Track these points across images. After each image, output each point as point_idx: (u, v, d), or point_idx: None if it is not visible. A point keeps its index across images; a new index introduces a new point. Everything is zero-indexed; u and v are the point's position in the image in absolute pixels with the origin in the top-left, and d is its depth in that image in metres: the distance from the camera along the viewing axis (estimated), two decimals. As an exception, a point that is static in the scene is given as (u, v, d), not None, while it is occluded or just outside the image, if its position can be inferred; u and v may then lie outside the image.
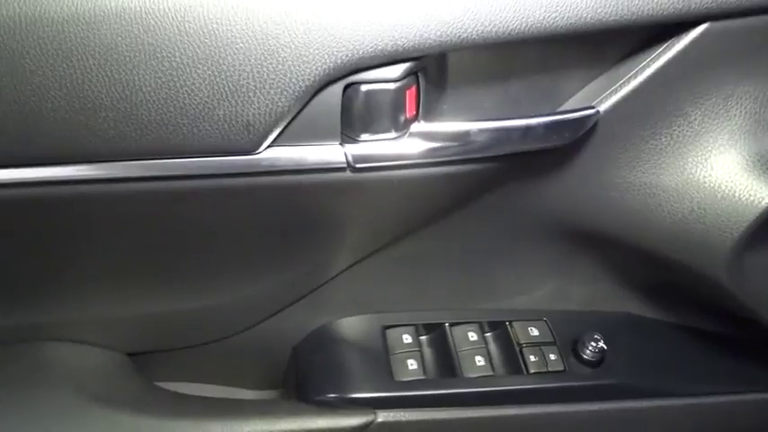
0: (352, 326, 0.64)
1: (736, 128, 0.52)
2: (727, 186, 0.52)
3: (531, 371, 0.61)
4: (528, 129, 0.49)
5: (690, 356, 0.69)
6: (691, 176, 0.53)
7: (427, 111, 0.48)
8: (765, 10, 0.47)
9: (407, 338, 0.63)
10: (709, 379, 0.67)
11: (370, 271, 0.62)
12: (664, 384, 0.65)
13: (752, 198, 0.51)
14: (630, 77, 0.49)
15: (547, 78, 0.51)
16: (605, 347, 0.62)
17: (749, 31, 0.48)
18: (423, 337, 0.64)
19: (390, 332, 0.63)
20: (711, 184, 0.52)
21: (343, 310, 0.65)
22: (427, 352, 0.63)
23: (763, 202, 0.51)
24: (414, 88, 0.46)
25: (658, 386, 0.65)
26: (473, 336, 0.63)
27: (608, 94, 0.50)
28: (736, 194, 0.51)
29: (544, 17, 0.44)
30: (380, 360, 0.61)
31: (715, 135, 0.52)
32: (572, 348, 0.63)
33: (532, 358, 0.62)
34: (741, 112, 0.51)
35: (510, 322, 0.64)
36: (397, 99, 0.46)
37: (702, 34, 0.47)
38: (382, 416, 0.58)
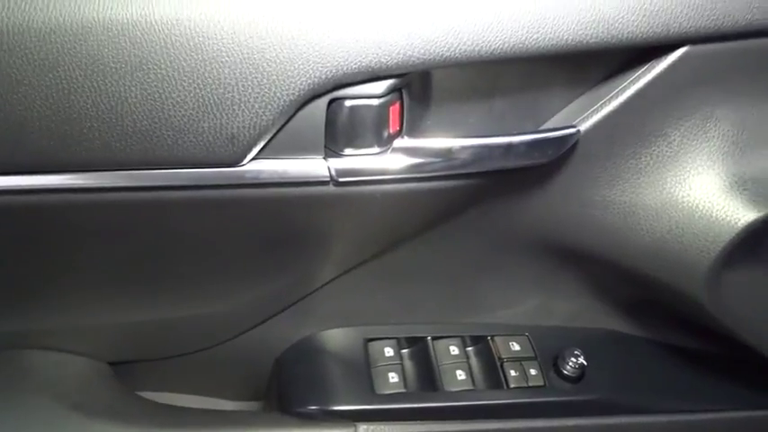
0: (334, 338, 0.64)
1: (714, 149, 0.53)
2: (705, 206, 0.52)
3: (512, 386, 0.61)
4: (510, 146, 0.49)
5: (670, 373, 0.69)
6: (669, 196, 0.53)
7: (411, 126, 0.49)
8: (743, 35, 0.48)
9: (389, 351, 0.63)
10: (688, 396, 0.68)
11: (354, 283, 0.62)
12: (644, 401, 0.66)
13: (729, 218, 0.52)
14: (611, 98, 0.50)
15: (530, 97, 0.52)
16: (585, 363, 0.63)
17: (728, 55, 0.49)
18: (404, 351, 0.64)
19: (372, 345, 0.63)
20: (690, 204, 0.53)
21: (327, 321, 0.65)
22: (408, 365, 0.63)
23: (740, 223, 0.52)
24: (397, 104, 0.47)
25: (638, 403, 0.65)
26: (455, 350, 0.63)
27: (589, 113, 0.50)
28: (714, 214, 0.52)
29: (526, 38, 0.45)
30: (362, 373, 0.61)
31: (694, 156, 0.53)
32: (553, 364, 0.64)
33: (513, 373, 0.62)
34: (719, 133, 0.52)
35: (492, 337, 0.65)
36: (381, 115, 0.46)
37: (681, 57, 0.48)
38: (362, 428, 0.58)
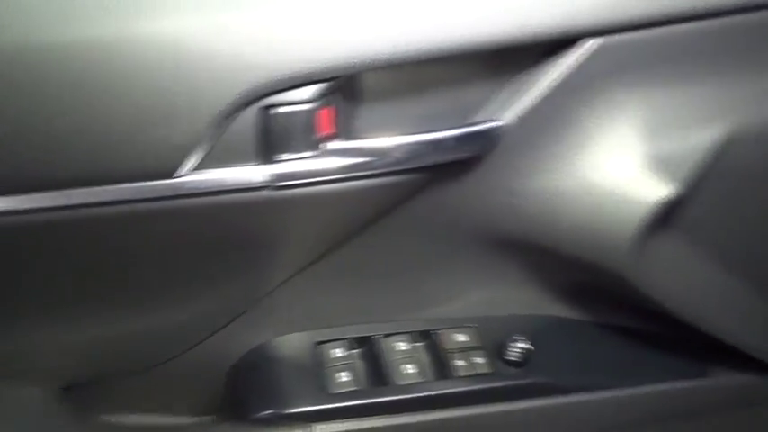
0: (285, 344, 0.65)
1: (625, 134, 0.56)
2: (620, 189, 0.55)
3: (460, 374, 0.63)
4: (438, 142, 0.52)
5: (612, 353, 0.72)
6: (587, 181, 0.56)
7: (344, 128, 0.51)
8: (646, 25, 0.52)
9: (340, 352, 0.64)
10: (630, 372, 0.71)
11: (301, 288, 0.63)
12: (588, 380, 0.68)
13: (642, 198, 0.55)
14: (528, 90, 0.53)
15: (456, 93, 0.54)
16: (531, 348, 0.65)
17: (633, 44, 0.52)
18: (354, 351, 0.65)
19: (323, 347, 0.64)
20: (606, 187, 0.56)
21: (278, 329, 0.66)
22: (359, 364, 0.64)
23: (652, 201, 0.55)
24: (329, 107, 0.48)
25: (583, 382, 0.68)
26: (403, 345, 0.65)
27: (510, 106, 0.53)
28: (628, 195, 0.55)
29: (445, 38, 0.48)
30: (315, 375, 0.62)
31: (607, 141, 0.56)
32: (498, 351, 0.66)
33: (461, 363, 0.64)
34: (631, 119, 0.55)
35: (439, 330, 0.67)
36: (314, 119, 0.48)
37: (588, 48, 0.51)
38: (319, 428, 0.59)
